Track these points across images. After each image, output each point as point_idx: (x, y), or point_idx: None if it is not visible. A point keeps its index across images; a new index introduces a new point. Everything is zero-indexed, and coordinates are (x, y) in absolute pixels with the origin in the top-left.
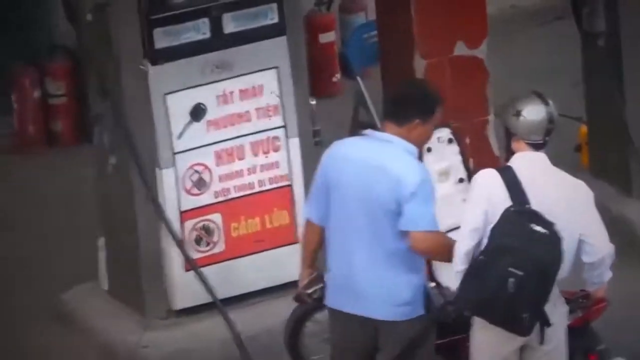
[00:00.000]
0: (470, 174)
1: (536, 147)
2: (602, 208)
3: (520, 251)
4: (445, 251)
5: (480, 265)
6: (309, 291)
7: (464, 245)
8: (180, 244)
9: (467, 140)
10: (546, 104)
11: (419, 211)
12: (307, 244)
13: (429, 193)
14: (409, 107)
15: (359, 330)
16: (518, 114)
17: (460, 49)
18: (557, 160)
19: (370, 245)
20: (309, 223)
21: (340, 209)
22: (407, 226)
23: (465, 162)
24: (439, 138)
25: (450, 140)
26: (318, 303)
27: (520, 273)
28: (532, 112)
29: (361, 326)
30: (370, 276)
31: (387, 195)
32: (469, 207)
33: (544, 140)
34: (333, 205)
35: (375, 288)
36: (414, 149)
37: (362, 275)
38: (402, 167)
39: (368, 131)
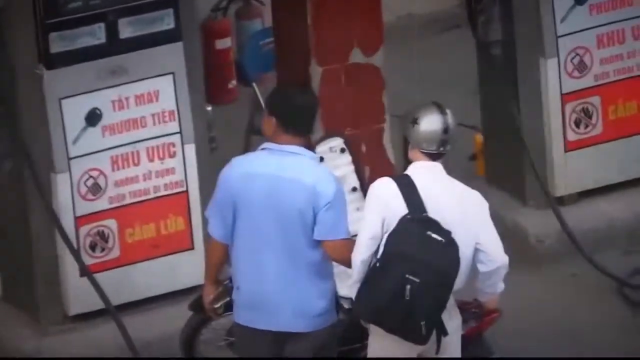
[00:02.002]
0: (364, 183)
1: (431, 156)
2: (497, 217)
3: (417, 258)
4: None
5: (377, 272)
6: (216, 306)
7: (360, 253)
8: (73, 250)
9: (363, 148)
10: (443, 114)
11: (336, 220)
12: (211, 261)
13: (343, 201)
14: (312, 119)
15: (270, 345)
16: (414, 122)
17: (356, 57)
18: (453, 169)
19: (283, 259)
20: (212, 241)
21: (250, 225)
22: (324, 236)
23: (358, 172)
24: (331, 148)
25: (342, 150)
26: (223, 316)
27: (416, 280)
28: (428, 122)
29: (273, 340)
30: (285, 289)
31: (303, 207)
32: (366, 216)
33: (439, 150)
34: (241, 222)
35: (291, 301)
36: (317, 157)
37: (275, 289)
38: (316, 178)
39: (268, 144)
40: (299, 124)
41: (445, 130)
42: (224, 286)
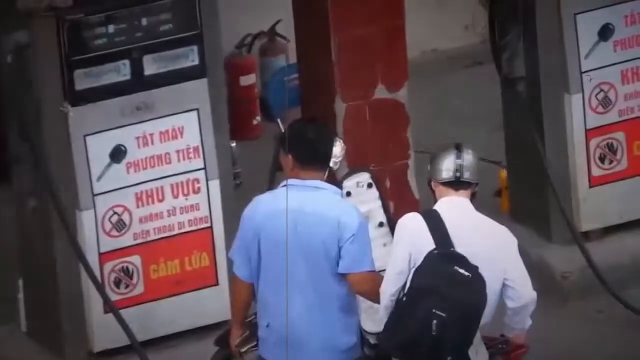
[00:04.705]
0: (390, 218)
1: (453, 186)
2: (522, 252)
3: (443, 293)
4: None
5: (403, 307)
6: (242, 350)
7: (387, 288)
8: (98, 286)
9: (388, 184)
10: (458, 149)
11: (360, 253)
12: (237, 302)
13: (367, 234)
14: (327, 153)
15: None
16: (431, 161)
17: (381, 93)
18: (478, 205)
19: (310, 294)
20: (238, 281)
21: (275, 262)
22: (349, 268)
23: (384, 206)
24: (358, 182)
25: (369, 185)
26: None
27: (443, 315)
28: (441, 155)
29: None
30: (312, 325)
31: (327, 240)
32: (394, 251)
33: (456, 176)
34: (266, 259)
35: (318, 336)
36: (341, 191)
37: (302, 325)
38: (340, 211)
39: (290, 180)
40: (314, 158)
41: (458, 156)
42: (250, 330)
